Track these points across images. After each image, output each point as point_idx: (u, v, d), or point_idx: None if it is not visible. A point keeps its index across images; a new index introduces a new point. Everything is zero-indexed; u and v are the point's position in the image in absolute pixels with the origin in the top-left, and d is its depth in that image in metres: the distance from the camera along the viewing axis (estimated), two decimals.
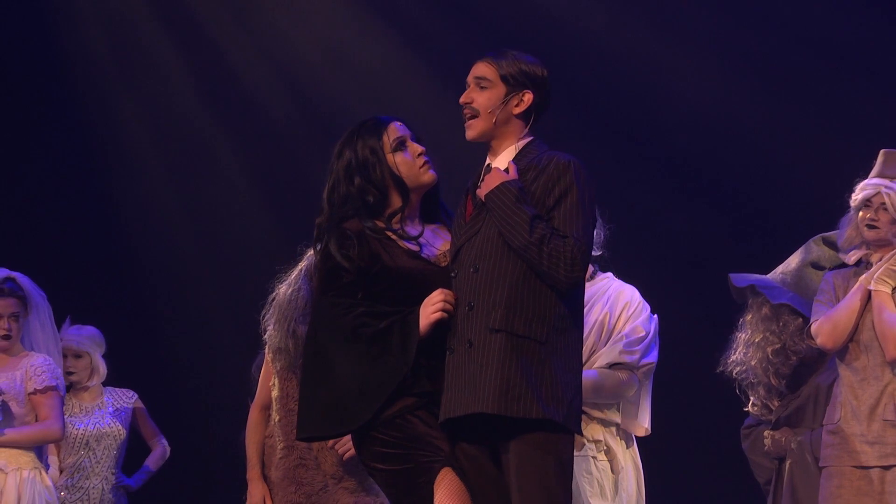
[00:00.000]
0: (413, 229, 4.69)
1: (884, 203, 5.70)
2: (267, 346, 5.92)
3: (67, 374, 7.63)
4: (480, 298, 4.43)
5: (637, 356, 5.54)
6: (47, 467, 6.92)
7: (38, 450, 6.75)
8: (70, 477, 7.51)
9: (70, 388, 7.54)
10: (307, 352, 4.64)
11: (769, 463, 6.23)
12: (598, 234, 5.64)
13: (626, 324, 5.59)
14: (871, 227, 5.71)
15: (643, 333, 5.57)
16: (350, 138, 4.71)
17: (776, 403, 6.20)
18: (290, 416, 5.65)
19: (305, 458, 5.69)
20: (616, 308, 5.62)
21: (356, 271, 4.56)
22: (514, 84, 4.55)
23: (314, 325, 4.63)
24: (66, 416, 7.32)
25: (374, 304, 4.54)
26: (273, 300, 5.95)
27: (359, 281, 4.56)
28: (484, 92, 4.56)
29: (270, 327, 5.89)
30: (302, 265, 5.96)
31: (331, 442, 5.60)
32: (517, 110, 4.56)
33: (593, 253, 5.66)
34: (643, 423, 5.63)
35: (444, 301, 4.48)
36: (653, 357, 5.59)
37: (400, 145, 4.69)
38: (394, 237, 4.63)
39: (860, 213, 5.74)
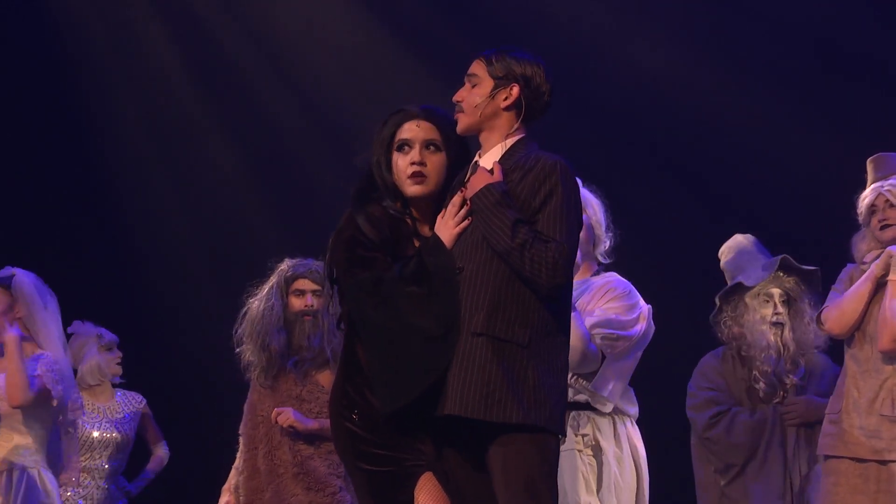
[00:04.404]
0: (426, 230, 4.61)
1: (888, 200, 5.75)
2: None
3: (118, 364, 7.81)
4: (463, 300, 4.40)
5: (595, 319, 5.59)
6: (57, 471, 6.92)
7: (58, 454, 6.77)
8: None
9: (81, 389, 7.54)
10: (366, 330, 4.47)
11: (750, 441, 6.26)
12: (608, 241, 5.69)
13: (598, 302, 5.65)
14: (885, 226, 5.75)
15: (615, 311, 5.62)
16: (386, 117, 4.66)
17: (793, 379, 6.26)
18: (250, 432, 6.01)
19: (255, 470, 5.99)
20: (597, 293, 5.68)
21: (381, 251, 4.48)
22: (502, 79, 4.52)
23: (361, 305, 4.46)
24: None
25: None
26: (244, 315, 6.02)
27: (382, 259, 4.48)
28: (473, 89, 4.56)
29: (244, 343, 6.00)
30: (273, 281, 6.03)
31: (274, 415, 5.86)
32: (505, 104, 4.53)
33: (602, 261, 5.71)
34: (606, 397, 5.66)
35: (459, 213, 4.45)
36: (619, 330, 5.62)
37: (402, 146, 4.61)
38: (410, 232, 4.58)
39: (871, 221, 5.79)
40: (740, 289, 6.40)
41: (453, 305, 4.38)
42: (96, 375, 7.68)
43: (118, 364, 7.81)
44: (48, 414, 6.72)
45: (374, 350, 4.45)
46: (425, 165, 4.58)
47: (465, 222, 4.45)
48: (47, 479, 6.68)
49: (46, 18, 9.31)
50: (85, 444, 7.53)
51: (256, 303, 6.04)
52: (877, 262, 5.70)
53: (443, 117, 4.65)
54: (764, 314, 6.33)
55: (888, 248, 5.69)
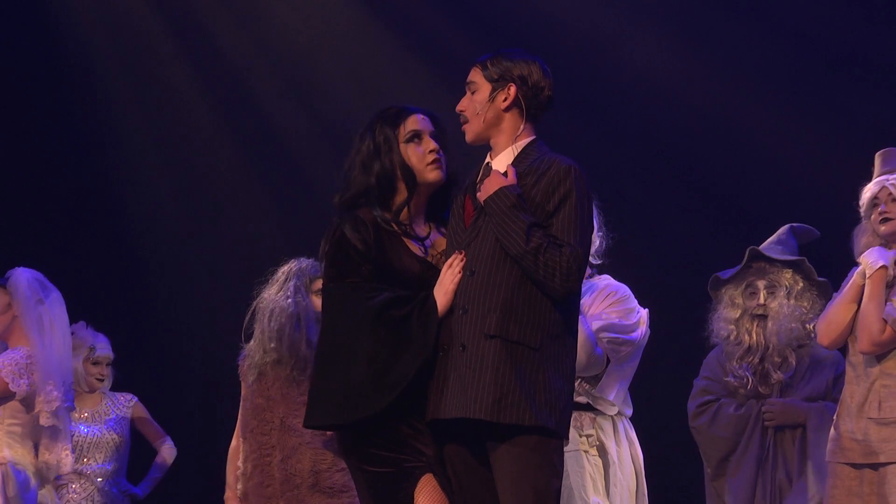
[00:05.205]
0: (421, 229, 4.68)
1: (891, 194, 5.69)
2: (245, 357, 6.02)
3: (97, 380, 7.71)
4: (475, 302, 4.42)
5: (600, 323, 5.59)
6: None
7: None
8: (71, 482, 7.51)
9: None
10: (323, 339, 4.58)
11: (732, 435, 6.25)
12: (600, 242, 5.69)
13: (600, 305, 5.66)
14: (885, 220, 5.69)
15: (617, 315, 5.62)
16: (371, 123, 4.70)
17: (779, 375, 6.23)
18: (260, 438, 5.94)
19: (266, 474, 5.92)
20: (598, 296, 5.68)
21: (371, 260, 4.53)
22: (498, 81, 4.55)
23: (331, 312, 4.56)
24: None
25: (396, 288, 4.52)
26: (258, 313, 6.01)
27: (372, 269, 4.53)
28: (473, 96, 4.59)
29: (267, 342, 5.96)
30: (292, 281, 6.01)
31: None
32: (505, 105, 4.55)
33: (594, 262, 5.72)
34: (611, 401, 5.67)
35: (452, 270, 4.49)
36: (623, 334, 5.62)
37: (413, 137, 4.65)
38: (400, 233, 4.62)
39: (872, 215, 5.74)
40: (719, 282, 6.40)
41: (407, 372, 4.42)
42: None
43: (99, 379, 7.73)
44: (20, 408, 6.66)
45: (321, 359, 4.54)
46: (441, 153, 4.66)
47: (459, 277, 4.46)
48: (15, 478, 6.61)
49: (49, 21, 9.32)
50: (77, 447, 7.48)
51: (284, 301, 6.02)
52: (858, 270, 5.68)
53: (431, 112, 4.74)
54: (748, 307, 6.32)
55: (864, 254, 5.67)
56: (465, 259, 4.47)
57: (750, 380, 6.23)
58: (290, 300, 5.97)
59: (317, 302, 6.02)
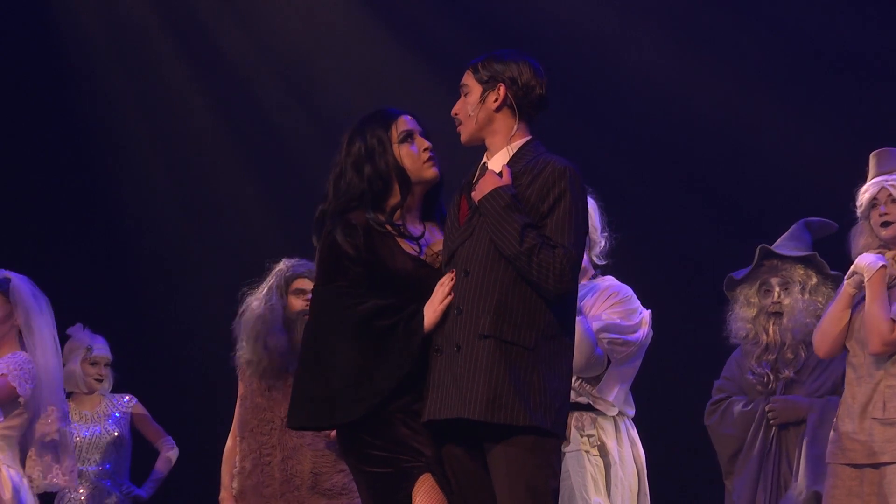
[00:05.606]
0: (415, 228, 4.69)
1: (891, 195, 5.67)
2: (238, 362, 6.02)
3: (96, 380, 7.69)
4: (470, 303, 4.42)
5: (600, 324, 5.60)
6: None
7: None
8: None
9: (69, 395, 7.46)
10: (307, 340, 4.62)
11: (739, 433, 6.25)
12: (604, 243, 5.70)
13: (601, 306, 5.67)
14: (885, 224, 5.67)
15: (618, 316, 5.63)
16: (360, 127, 4.71)
17: (787, 373, 6.23)
18: (260, 438, 5.91)
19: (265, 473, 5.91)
20: (600, 297, 5.69)
21: (362, 263, 4.55)
22: (488, 81, 4.56)
23: (317, 314, 4.60)
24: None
25: (384, 296, 4.54)
26: (242, 314, 6.01)
27: (362, 272, 4.56)
28: (465, 98, 4.61)
29: (242, 342, 5.96)
30: (272, 281, 6.02)
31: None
32: (495, 105, 4.55)
33: (598, 262, 5.73)
34: (611, 401, 5.68)
35: (445, 301, 4.49)
36: (624, 335, 5.63)
37: (407, 138, 4.68)
38: (394, 234, 4.64)
39: (871, 216, 5.71)
40: (733, 282, 6.40)
41: (385, 384, 4.45)
42: (71, 384, 7.57)
43: (98, 380, 7.72)
44: (16, 413, 6.65)
45: (304, 360, 4.58)
46: (433, 150, 4.71)
47: (448, 298, 4.47)
48: (9, 477, 6.59)
49: (49, 21, 9.31)
50: (76, 448, 7.40)
51: (256, 303, 6.04)
52: (849, 280, 5.66)
53: (413, 114, 4.79)
54: (763, 305, 6.32)
55: (856, 262, 5.66)
56: (455, 277, 4.48)
57: (770, 377, 6.24)
58: (267, 304, 5.99)
59: (294, 302, 6.05)
